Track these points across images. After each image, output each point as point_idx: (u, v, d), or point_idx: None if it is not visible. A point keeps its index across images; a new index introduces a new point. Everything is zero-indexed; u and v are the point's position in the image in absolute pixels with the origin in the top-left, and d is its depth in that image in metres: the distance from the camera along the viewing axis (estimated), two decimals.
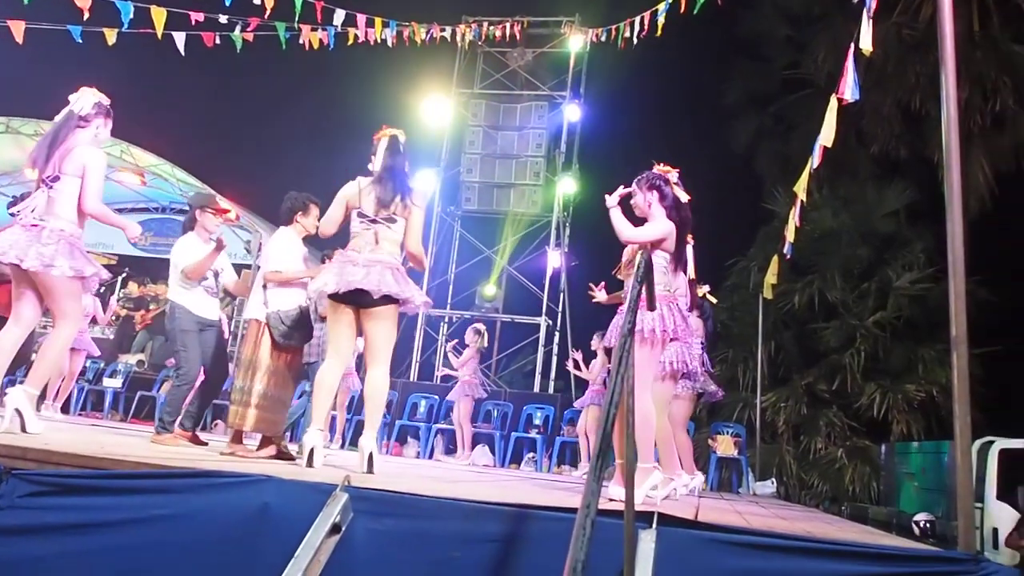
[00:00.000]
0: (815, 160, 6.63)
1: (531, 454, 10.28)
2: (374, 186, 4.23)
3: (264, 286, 4.96)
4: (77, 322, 4.23)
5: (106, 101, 4.33)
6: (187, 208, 6.10)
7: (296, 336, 4.89)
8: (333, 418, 8.76)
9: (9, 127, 14.17)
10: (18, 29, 8.06)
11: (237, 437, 4.93)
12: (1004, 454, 8.10)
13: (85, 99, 4.25)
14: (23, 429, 3.83)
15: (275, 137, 19.23)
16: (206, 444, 5.30)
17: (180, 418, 5.28)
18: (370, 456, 3.87)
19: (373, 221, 4.19)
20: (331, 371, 4.21)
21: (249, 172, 16.70)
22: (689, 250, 5.36)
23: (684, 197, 4.40)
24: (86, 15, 8.01)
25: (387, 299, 4.05)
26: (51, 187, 4.10)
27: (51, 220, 4.05)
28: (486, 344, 9.51)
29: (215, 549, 2.58)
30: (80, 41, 8.40)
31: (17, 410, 3.84)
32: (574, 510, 1.54)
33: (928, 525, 8.12)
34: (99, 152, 4.22)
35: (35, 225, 4.03)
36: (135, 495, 2.71)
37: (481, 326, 9.44)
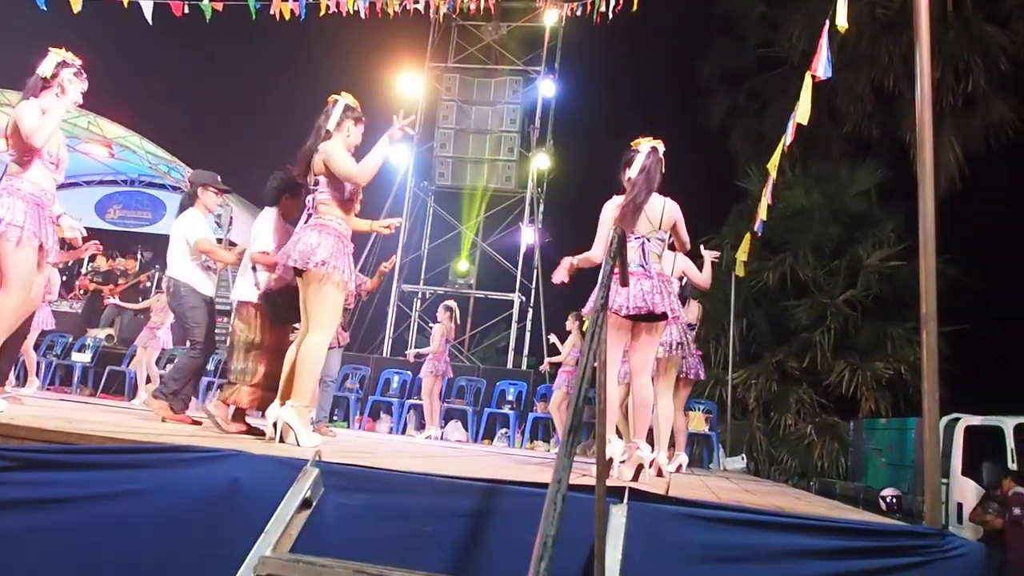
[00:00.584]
0: (788, 137, 6.65)
1: (504, 430, 10.31)
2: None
3: (253, 268, 4.86)
4: (19, 290, 3.89)
5: (73, 59, 4.16)
6: (158, 181, 6.03)
7: (290, 316, 4.74)
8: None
9: None
10: None
11: (240, 416, 4.85)
12: (969, 431, 8.27)
13: (48, 61, 4.08)
14: None
15: (245, 109, 18.95)
16: (200, 423, 5.24)
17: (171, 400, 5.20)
18: (284, 427, 3.74)
19: (307, 190, 4.11)
20: (295, 348, 4.12)
21: (218, 145, 16.44)
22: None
23: (639, 164, 4.28)
24: None
25: (320, 265, 3.89)
26: (10, 153, 4.00)
27: (8, 180, 3.92)
28: (458, 321, 9.47)
29: (184, 524, 2.56)
30: (45, 9, 8.18)
31: None
32: (545, 485, 1.54)
33: (894, 500, 8.29)
34: (25, 103, 3.97)
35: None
36: (102, 470, 2.67)
37: (453, 303, 9.40)
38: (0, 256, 3.80)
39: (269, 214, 4.99)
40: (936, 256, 2.81)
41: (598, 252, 4.17)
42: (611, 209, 4.29)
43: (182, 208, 5.43)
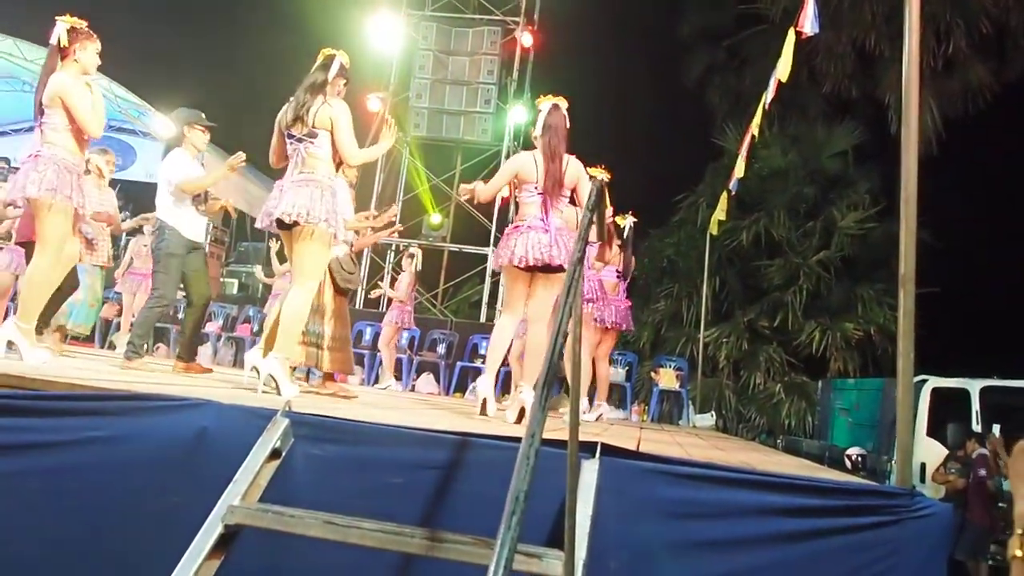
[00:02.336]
0: (769, 95, 6.61)
1: (476, 384, 10.33)
2: (292, 102, 4.04)
3: None
4: (55, 250, 4.17)
5: (81, 24, 4.25)
6: (128, 127, 5.91)
7: (353, 279, 4.99)
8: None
9: None
10: None
11: (330, 377, 4.93)
12: (936, 393, 8.42)
13: (57, 30, 4.19)
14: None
15: (219, 57, 18.48)
16: (211, 371, 5.22)
17: (179, 350, 5.19)
18: (268, 378, 3.82)
19: (299, 140, 4.01)
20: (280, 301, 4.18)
21: (193, 92, 16.04)
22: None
23: (542, 123, 4.35)
24: None
25: (308, 221, 3.91)
26: (40, 120, 4.16)
27: (44, 148, 4.11)
28: (419, 267, 9.37)
29: (152, 472, 2.54)
30: None
31: (9, 341, 3.98)
32: (517, 439, 1.52)
33: (860, 459, 8.45)
34: (71, 77, 4.17)
35: (33, 156, 4.10)
36: (71, 417, 2.65)
37: (416, 250, 9.32)
38: (36, 220, 4.12)
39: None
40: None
41: (488, 192, 4.44)
42: (514, 161, 4.43)
43: (167, 150, 5.32)
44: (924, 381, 8.52)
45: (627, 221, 6.70)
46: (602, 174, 5.25)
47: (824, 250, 12.62)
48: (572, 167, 4.30)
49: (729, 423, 12.13)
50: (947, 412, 8.21)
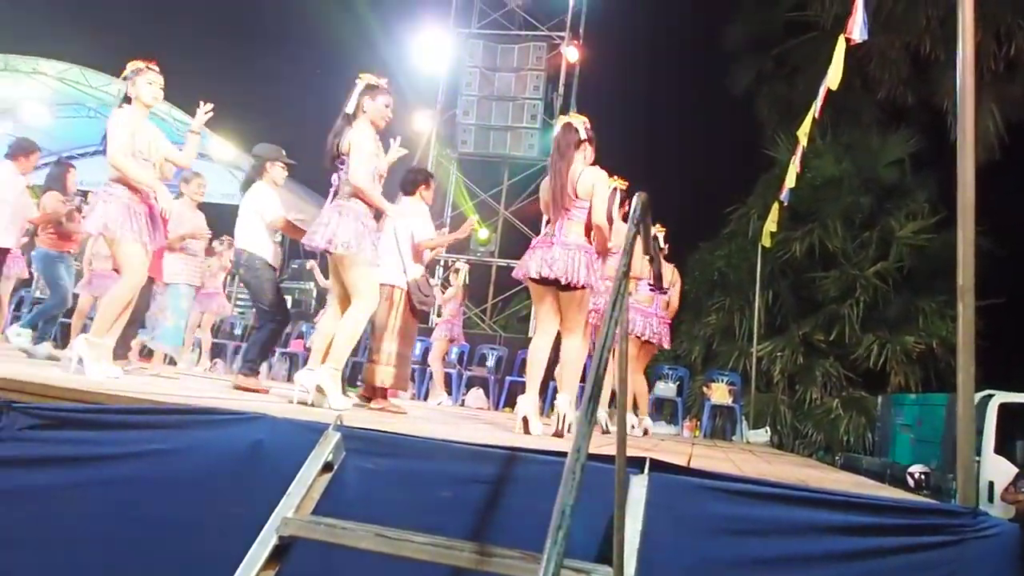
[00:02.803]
0: (819, 103, 6.51)
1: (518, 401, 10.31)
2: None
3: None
4: (133, 273, 4.44)
5: (138, 66, 4.55)
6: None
7: (428, 300, 5.25)
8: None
9: (7, 64, 13.99)
10: None
11: (383, 394, 5.08)
12: (1003, 408, 8.11)
13: (125, 73, 4.56)
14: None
15: (270, 76, 18.93)
16: (267, 391, 5.38)
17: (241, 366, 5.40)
18: (319, 390, 3.98)
19: (336, 168, 4.26)
20: (328, 317, 4.41)
21: (245, 111, 16.42)
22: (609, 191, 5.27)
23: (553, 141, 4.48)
24: None
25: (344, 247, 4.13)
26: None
27: (112, 186, 4.45)
28: (467, 280, 9.42)
29: (209, 484, 2.60)
30: None
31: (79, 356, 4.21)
32: (565, 453, 1.52)
33: (923, 477, 8.19)
34: (121, 111, 4.50)
35: (104, 191, 4.47)
36: (131, 430, 2.74)
37: (462, 264, 9.37)
38: (115, 252, 4.47)
39: (418, 205, 5.39)
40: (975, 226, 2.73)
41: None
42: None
43: (248, 182, 5.50)
44: (990, 396, 8.23)
45: (653, 233, 6.66)
46: (619, 183, 5.24)
47: (881, 261, 12.32)
48: (585, 177, 4.30)
49: (785, 439, 11.89)
50: (1016, 428, 7.90)
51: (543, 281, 4.24)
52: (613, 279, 4.71)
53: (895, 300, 12.24)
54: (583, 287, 4.18)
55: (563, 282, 4.16)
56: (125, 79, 4.56)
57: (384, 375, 5.00)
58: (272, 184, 5.49)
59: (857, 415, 11.65)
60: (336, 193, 4.26)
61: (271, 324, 5.29)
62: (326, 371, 4.02)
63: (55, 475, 2.69)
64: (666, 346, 6.86)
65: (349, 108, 4.28)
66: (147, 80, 4.52)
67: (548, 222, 4.41)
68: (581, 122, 4.44)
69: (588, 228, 4.28)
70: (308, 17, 16.56)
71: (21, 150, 6.35)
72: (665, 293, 6.67)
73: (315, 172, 4.59)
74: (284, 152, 5.57)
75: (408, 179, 5.48)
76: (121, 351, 5.68)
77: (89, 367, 4.15)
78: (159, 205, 4.56)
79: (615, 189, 5.17)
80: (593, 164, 4.42)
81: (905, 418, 10.25)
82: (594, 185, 4.27)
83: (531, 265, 4.26)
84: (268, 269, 5.27)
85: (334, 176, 4.30)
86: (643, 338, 6.47)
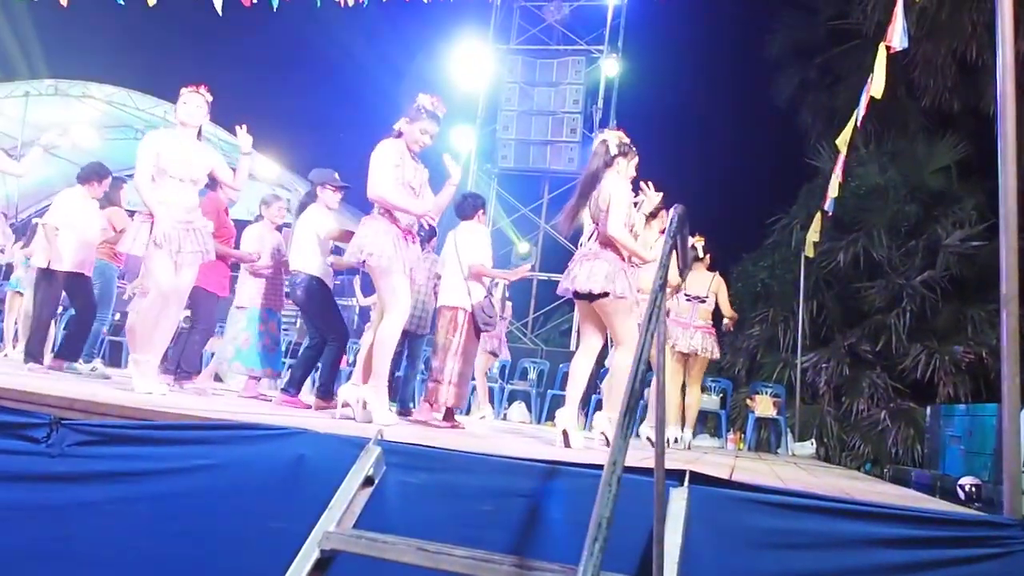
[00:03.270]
0: (860, 112, 6.43)
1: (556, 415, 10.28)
2: None
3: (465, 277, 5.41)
4: (158, 289, 4.48)
5: (186, 92, 4.68)
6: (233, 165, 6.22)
7: (492, 322, 5.46)
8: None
9: (58, 89, 14.41)
10: None
11: (450, 414, 5.35)
12: None
13: None
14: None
15: (314, 96, 19.26)
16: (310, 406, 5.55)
17: (318, 388, 5.58)
18: (364, 405, 4.04)
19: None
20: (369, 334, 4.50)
21: (288, 131, 16.73)
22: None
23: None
24: None
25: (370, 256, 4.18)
26: None
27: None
28: (507, 293, 9.43)
29: (252, 498, 2.65)
30: (122, 3, 8.44)
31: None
32: (602, 466, 1.52)
33: (973, 489, 7.98)
34: (151, 133, 4.73)
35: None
36: (177, 445, 2.79)
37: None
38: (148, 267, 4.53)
39: (479, 229, 5.61)
40: (1020, 233, 2.69)
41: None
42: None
43: (302, 207, 5.65)
44: None
45: (699, 243, 6.64)
46: (652, 192, 5.08)
47: (929, 270, 12.05)
48: (604, 189, 4.39)
49: (831, 452, 11.66)
50: None
51: (578, 295, 4.28)
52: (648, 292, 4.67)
53: (943, 309, 11.96)
54: (612, 296, 4.16)
55: (581, 292, 4.21)
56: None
57: (448, 394, 5.21)
58: (325, 208, 5.64)
59: (905, 427, 11.38)
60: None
61: (334, 344, 5.46)
62: (370, 387, 4.08)
63: (103, 491, 2.75)
64: (715, 357, 6.79)
65: (396, 125, 4.37)
66: (182, 100, 4.66)
67: (590, 236, 4.47)
68: (616, 137, 4.48)
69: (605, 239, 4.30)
70: (350, 35, 16.82)
71: (94, 175, 6.38)
72: (703, 302, 6.61)
73: (359, 186, 4.67)
74: (337, 175, 5.71)
75: (467, 204, 5.66)
76: (188, 366, 5.86)
77: (136, 382, 4.28)
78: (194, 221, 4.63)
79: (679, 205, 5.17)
80: (634, 176, 4.45)
81: (955, 429, 9.99)
82: (610, 196, 4.30)
83: (563, 281, 4.39)
84: (324, 289, 5.41)
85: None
86: (685, 351, 6.42)
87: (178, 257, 4.48)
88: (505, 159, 13.92)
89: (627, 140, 4.50)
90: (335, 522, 2.39)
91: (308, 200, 5.67)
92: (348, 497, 2.46)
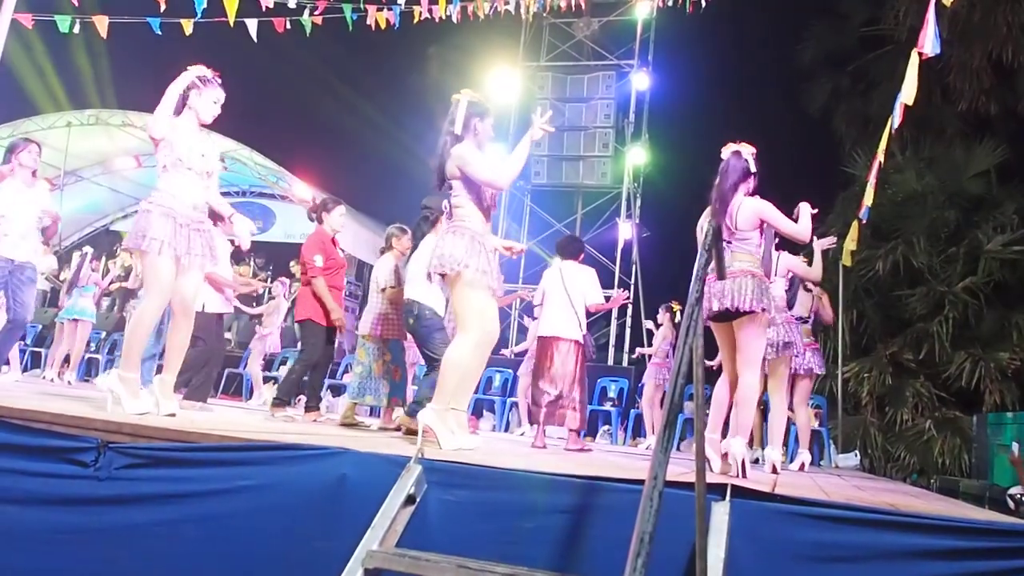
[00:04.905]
0: (896, 119, 6.37)
1: (606, 427, 10.26)
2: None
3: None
4: (156, 296, 4.14)
5: (201, 72, 4.31)
6: (268, 191, 6.33)
7: (593, 353, 6.05)
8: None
9: (99, 119, 14.79)
10: (102, 24, 8.39)
11: (574, 436, 5.78)
12: None
13: (180, 79, 4.27)
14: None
15: (345, 119, 19.48)
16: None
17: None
18: (427, 429, 3.76)
19: (443, 194, 4.26)
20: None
21: (321, 154, 16.98)
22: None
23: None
24: (163, 7, 8.27)
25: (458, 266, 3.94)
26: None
27: (155, 195, 4.20)
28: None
29: (296, 518, 2.68)
30: (159, 32, 8.67)
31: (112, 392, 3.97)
32: (643, 482, 1.53)
33: (1023, 498, 7.80)
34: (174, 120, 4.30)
35: (145, 208, 4.20)
36: (222, 467, 2.83)
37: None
38: (142, 266, 4.21)
39: (577, 267, 6.02)
40: None
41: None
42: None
43: (421, 235, 5.67)
44: None
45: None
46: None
47: (970, 276, 11.82)
48: (747, 206, 4.32)
49: (876, 463, 11.45)
50: None
51: (718, 317, 4.25)
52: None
53: (987, 316, 11.72)
54: (752, 312, 4.14)
55: (732, 311, 4.14)
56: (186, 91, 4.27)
57: (574, 419, 5.63)
58: (397, 253, 5.83)
59: (952, 436, 11.14)
60: (449, 218, 4.16)
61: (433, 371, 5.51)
62: (432, 411, 3.83)
63: (150, 512, 2.79)
64: (819, 372, 6.80)
65: (457, 128, 4.11)
66: (200, 91, 4.32)
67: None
68: (750, 152, 4.44)
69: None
70: (378, 55, 17.04)
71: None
72: (806, 322, 6.59)
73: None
74: (405, 227, 5.86)
75: (572, 247, 6.15)
76: (282, 393, 5.91)
77: (126, 401, 3.90)
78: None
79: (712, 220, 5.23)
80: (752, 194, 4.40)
81: (1003, 438, 9.77)
82: (761, 215, 4.30)
83: (710, 301, 4.20)
84: (436, 319, 5.49)
85: (444, 202, 4.26)
86: (794, 371, 6.34)
87: (186, 259, 4.13)
88: (538, 175, 13.98)
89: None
90: (378, 541, 2.41)
91: (427, 229, 5.61)
92: (390, 516, 2.48)
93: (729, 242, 4.25)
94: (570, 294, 5.80)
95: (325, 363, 6.30)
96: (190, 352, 5.77)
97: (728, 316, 4.21)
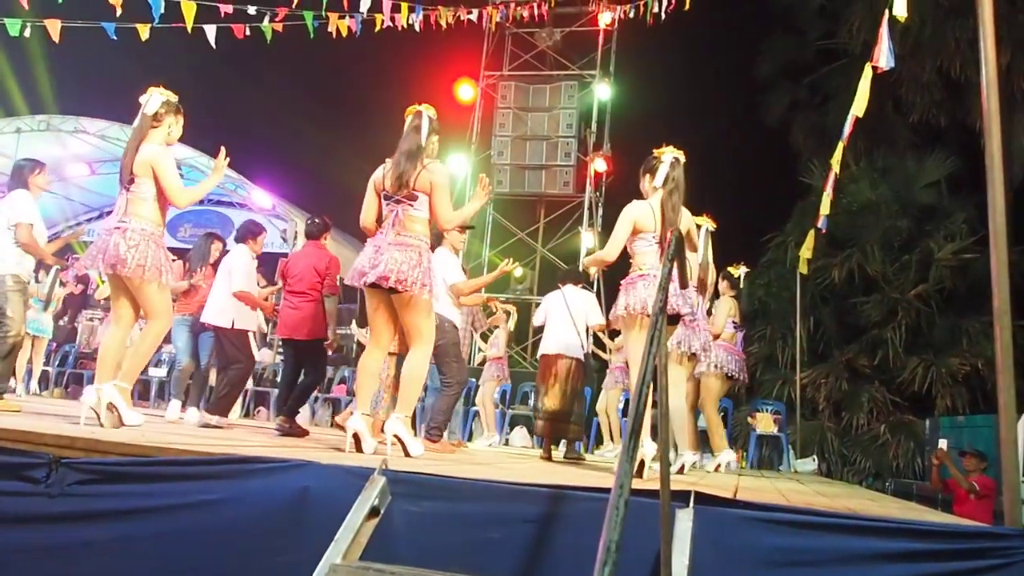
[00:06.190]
0: (846, 130, 6.52)
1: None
2: (392, 166, 4.15)
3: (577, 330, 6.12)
4: (164, 316, 4.34)
5: (174, 98, 4.44)
6: (226, 199, 6.31)
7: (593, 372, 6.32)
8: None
9: (50, 125, 14.47)
10: (54, 28, 8.20)
11: (572, 446, 6.22)
12: None
13: (153, 99, 4.37)
14: (121, 422, 4.04)
15: (306, 126, 19.35)
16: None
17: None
18: (396, 439, 3.92)
19: (397, 202, 4.10)
20: (372, 358, 4.25)
21: (282, 162, 16.83)
22: (702, 232, 5.33)
23: (663, 174, 4.40)
24: (118, 11, 8.12)
25: (412, 285, 3.96)
26: (128, 190, 4.29)
27: (132, 220, 4.21)
28: (512, 327, 9.46)
29: (257, 532, 2.63)
30: (115, 38, 8.51)
31: (111, 405, 4.03)
32: (609, 490, 1.54)
33: None
34: (161, 148, 4.34)
35: (117, 227, 4.20)
36: (179, 481, 2.76)
37: (510, 307, 9.42)
38: (138, 293, 4.23)
39: (580, 291, 6.39)
40: (1011, 247, 2.73)
41: (614, 250, 4.35)
42: (631, 211, 4.37)
43: (431, 248, 5.65)
44: None
45: (740, 271, 6.71)
46: (708, 223, 5.47)
47: (922, 284, 12.12)
48: (685, 218, 4.42)
49: (833, 467, 11.64)
50: None
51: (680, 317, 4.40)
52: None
53: (938, 322, 12.02)
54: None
55: (681, 314, 4.27)
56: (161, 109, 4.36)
57: (576, 432, 6.04)
58: (452, 249, 5.83)
59: (906, 440, 11.38)
60: (395, 226, 4.08)
61: (453, 391, 5.58)
62: (397, 420, 3.97)
63: (105, 529, 2.72)
64: (746, 381, 7.01)
65: (423, 140, 4.14)
66: (182, 122, 4.50)
67: (640, 254, 4.37)
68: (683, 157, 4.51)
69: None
70: (343, 65, 16.95)
71: (250, 233, 6.39)
72: (742, 329, 6.76)
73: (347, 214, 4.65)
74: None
75: (573, 274, 6.62)
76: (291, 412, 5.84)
77: (125, 413, 4.07)
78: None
79: (704, 229, 5.44)
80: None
81: (955, 441, 9.99)
82: (691, 226, 4.46)
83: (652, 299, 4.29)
84: (455, 332, 5.57)
85: (388, 209, 4.13)
86: (730, 374, 6.43)
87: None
88: (500, 184, 13.99)
89: None
90: (341, 554, 2.38)
91: (436, 243, 5.56)
92: (354, 528, 2.45)
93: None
94: (573, 315, 6.12)
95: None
96: (234, 372, 5.81)
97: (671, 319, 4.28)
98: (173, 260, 4.66)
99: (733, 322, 6.53)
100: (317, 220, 6.15)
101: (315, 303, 5.78)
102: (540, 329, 6.55)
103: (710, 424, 6.37)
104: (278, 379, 11.96)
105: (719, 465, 6.20)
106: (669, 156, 4.47)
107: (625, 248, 4.37)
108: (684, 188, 4.40)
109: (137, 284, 4.19)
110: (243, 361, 6.10)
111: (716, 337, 6.25)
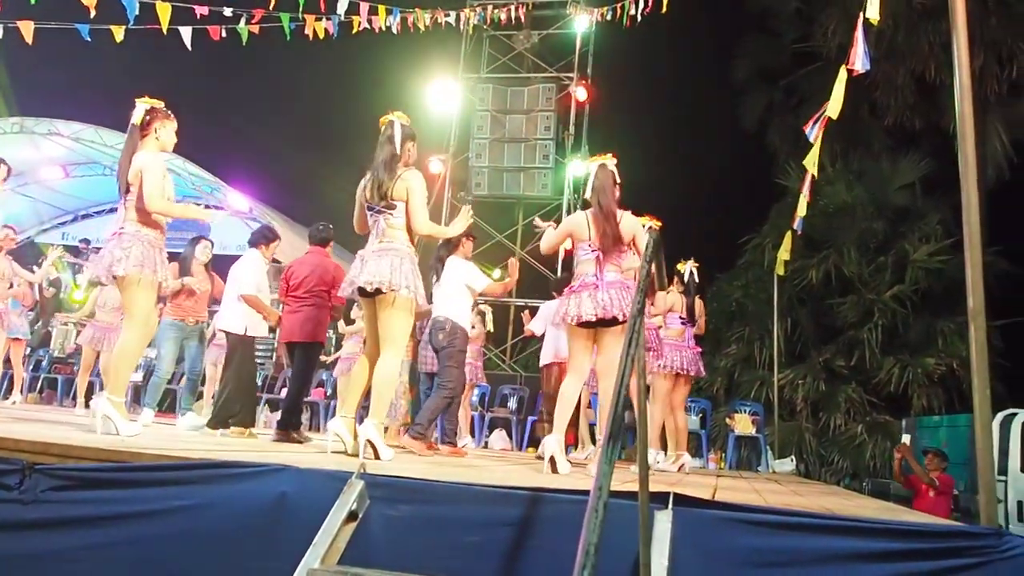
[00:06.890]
0: (813, 132, 6.58)
1: (543, 442, 10.25)
2: (371, 177, 4.24)
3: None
4: (141, 323, 4.31)
5: (159, 104, 4.48)
6: (202, 202, 6.27)
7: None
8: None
9: (23, 127, 14.29)
10: (27, 29, 8.09)
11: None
12: None
13: (137, 110, 4.42)
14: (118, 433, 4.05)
15: (283, 128, 19.26)
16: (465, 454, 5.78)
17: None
18: (368, 443, 3.94)
19: (378, 212, 4.21)
20: (362, 366, 4.35)
21: (258, 163, 16.74)
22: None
23: (590, 184, 4.51)
24: (92, 13, 8.02)
25: (391, 289, 4.08)
26: (125, 199, 4.36)
27: (127, 225, 4.30)
28: (490, 327, 9.41)
29: (235, 538, 2.61)
30: (89, 39, 8.42)
31: (105, 416, 4.07)
32: (588, 493, 1.53)
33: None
34: (151, 154, 4.37)
35: (115, 234, 4.31)
36: (155, 487, 2.74)
37: (486, 308, 9.38)
38: (123, 295, 4.31)
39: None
40: (985, 248, 2.76)
41: (546, 246, 4.67)
42: (569, 222, 4.59)
43: (439, 257, 5.82)
44: (1014, 415, 8.14)
45: (687, 266, 6.68)
46: (652, 223, 5.40)
47: (898, 285, 12.25)
48: (626, 221, 4.39)
49: (811, 467, 11.73)
50: None
51: (588, 324, 4.27)
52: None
53: (914, 323, 12.15)
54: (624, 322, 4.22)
55: (608, 318, 4.19)
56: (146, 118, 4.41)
57: (570, 434, 6.08)
58: (464, 256, 5.84)
59: (882, 440, 11.49)
60: (379, 235, 4.22)
61: (447, 394, 5.55)
62: (370, 424, 4.00)
63: (79, 536, 2.69)
64: (702, 375, 6.88)
65: (397, 149, 4.24)
66: (172, 127, 4.55)
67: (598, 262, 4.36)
68: (614, 163, 4.53)
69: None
70: (320, 66, 16.88)
71: (264, 238, 6.26)
72: (695, 325, 6.68)
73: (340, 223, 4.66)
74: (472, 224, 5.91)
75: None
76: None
77: (121, 425, 4.08)
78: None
79: (650, 228, 5.31)
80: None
81: (931, 440, 10.11)
82: (635, 229, 4.38)
83: (576, 309, 4.25)
84: (466, 341, 5.62)
85: (372, 219, 4.26)
86: (679, 372, 6.40)
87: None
88: (479, 186, 13.95)
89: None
90: (319, 559, 2.36)
91: (451, 251, 5.78)
92: (332, 533, 2.43)
93: (618, 253, 4.36)
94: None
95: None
96: (246, 380, 5.77)
97: (602, 323, 4.26)
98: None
99: (680, 317, 6.53)
100: (322, 226, 6.01)
101: (315, 308, 5.74)
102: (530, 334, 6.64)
103: (655, 424, 6.28)
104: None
105: (683, 466, 6.28)
106: (595, 164, 4.56)
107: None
108: (613, 189, 4.42)
109: (123, 284, 4.23)
110: (249, 368, 6.08)
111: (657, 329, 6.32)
